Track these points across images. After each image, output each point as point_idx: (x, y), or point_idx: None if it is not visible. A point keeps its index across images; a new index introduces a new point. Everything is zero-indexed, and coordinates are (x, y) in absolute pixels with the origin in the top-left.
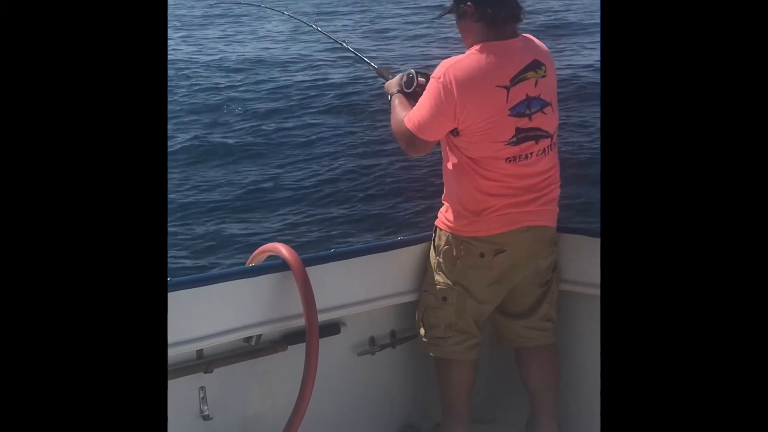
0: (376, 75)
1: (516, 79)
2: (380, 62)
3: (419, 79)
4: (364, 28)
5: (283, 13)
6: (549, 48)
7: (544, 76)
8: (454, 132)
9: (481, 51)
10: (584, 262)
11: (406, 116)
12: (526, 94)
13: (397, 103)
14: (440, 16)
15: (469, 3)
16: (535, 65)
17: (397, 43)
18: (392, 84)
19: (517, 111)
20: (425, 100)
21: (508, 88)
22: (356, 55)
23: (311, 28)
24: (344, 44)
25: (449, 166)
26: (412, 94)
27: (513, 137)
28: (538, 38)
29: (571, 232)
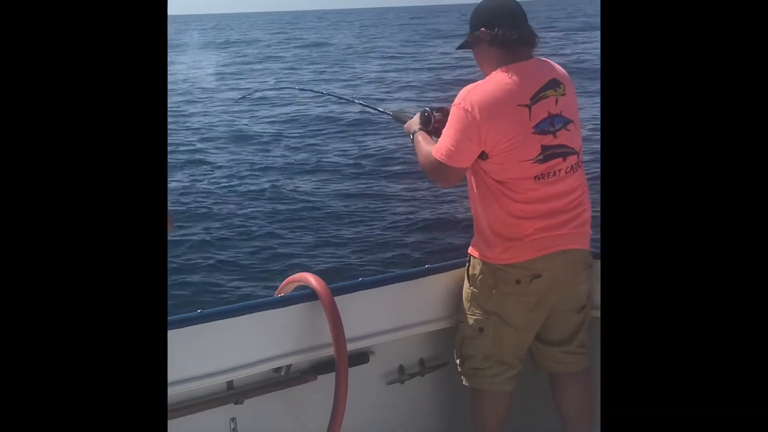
0: (393, 121)
1: (536, 98)
2: (393, 107)
3: (435, 114)
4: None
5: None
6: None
7: (563, 95)
8: (483, 155)
9: (498, 74)
10: None
11: (433, 148)
12: (548, 112)
13: (421, 139)
14: (460, 48)
15: (482, 29)
16: (554, 84)
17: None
18: (412, 123)
19: (541, 129)
20: (449, 128)
21: (529, 107)
22: (369, 107)
23: (320, 94)
24: (355, 101)
25: (477, 193)
26: (432, 132)
27: (539, 155)
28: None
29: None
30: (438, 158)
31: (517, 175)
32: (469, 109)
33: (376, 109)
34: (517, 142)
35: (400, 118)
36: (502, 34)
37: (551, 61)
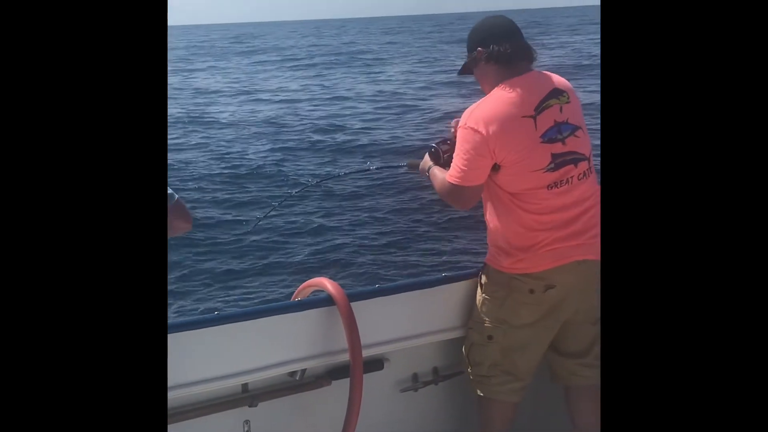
0: (408, 170)
1: (540, 108)
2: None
3: (442, 147)
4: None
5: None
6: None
7: (567, 102)
8: (495, 167)
9: (498, 90)
10: None
11: (447, 175)
12: (554, 120)
13: (436, 172)
14: (461, 74)
15: (478, 49)
16: (556, 93)
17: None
18: (425, 163)
19: (549, 137)
20: (459, 150)
21: (534, 117)
22: (386, 166)
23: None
24: (371, 168)
25: (491, 205)
26: (444, 164)
27: (551, 163)
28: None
29: None
30: (452, 182)
31: (529, 186)
32: (475, 127)
33: (391, 166)
34: (526, 153)
35: (414, 164)
36: (497, 50)
37: (550, 73)
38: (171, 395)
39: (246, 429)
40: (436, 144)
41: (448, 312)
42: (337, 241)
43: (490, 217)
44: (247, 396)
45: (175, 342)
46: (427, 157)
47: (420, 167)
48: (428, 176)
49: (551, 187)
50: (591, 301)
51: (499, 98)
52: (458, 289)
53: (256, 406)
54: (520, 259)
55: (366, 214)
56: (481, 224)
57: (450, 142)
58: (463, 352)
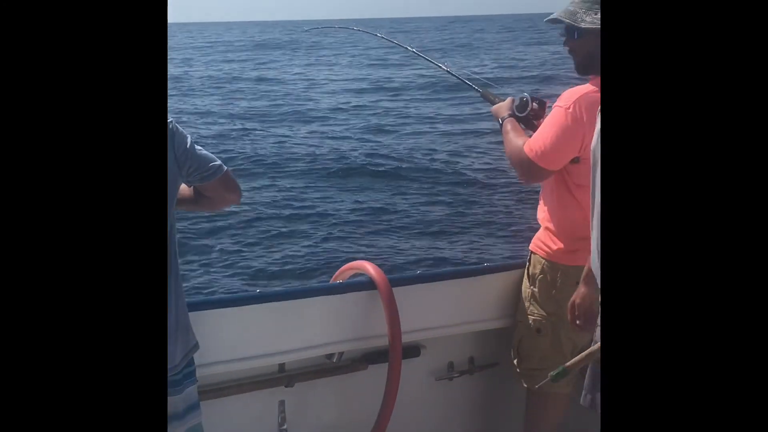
0: (481, 99)
1: None
2: (483, 85)
3: (533, 104)
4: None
5: (376, 35)
6: None
7: None
8: (575, 160)
9: None
10: None
11: (526, 144)
12: None
13: (510, 128)
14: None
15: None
16: None
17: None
18: (502, 108)
19: None
20: (550, 129)
21: None
22: (459, 79)
23: (411, 52)
24: (443, 67)
25: (555, 192)
26: (524, 119)
27: None
28: None
29: None
30: (530, 156)
31: None
32: (578, 116)
33: (465, 81)
34: None
35: (489, 99)
36: None
37: None
38: (207, 371)
39: (281, 409)
40: (529, 95)
41: (487, 302)
42: (379, 226)
43: (551, 203)
44: (284, 376)
45: (214, 318)
46: (509, 101)
47: (494, 108)
48: (500, 124)
49: None
50: None
51: None
52: (500, 279)
53: (292, 386)
54: (573, 249)
55: (408, 201)
56: (520, 217)
57: (541, 103)
58: (512, 346)
